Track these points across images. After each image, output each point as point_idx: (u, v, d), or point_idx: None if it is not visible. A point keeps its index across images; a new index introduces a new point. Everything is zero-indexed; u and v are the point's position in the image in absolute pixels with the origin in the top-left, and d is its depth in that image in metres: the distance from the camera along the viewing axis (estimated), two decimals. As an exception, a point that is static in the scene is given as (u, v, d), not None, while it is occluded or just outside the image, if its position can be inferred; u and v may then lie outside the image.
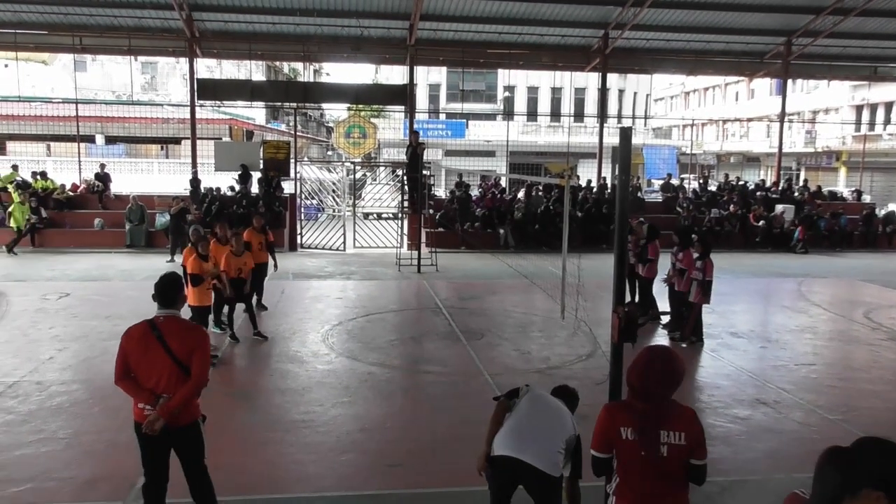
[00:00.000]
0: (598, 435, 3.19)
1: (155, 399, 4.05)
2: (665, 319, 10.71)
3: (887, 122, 40.01)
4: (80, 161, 22.67)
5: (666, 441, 3.03)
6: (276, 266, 11.80)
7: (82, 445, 5.99)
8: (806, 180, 29.05)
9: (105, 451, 5.87)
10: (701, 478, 3.13)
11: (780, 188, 25.16)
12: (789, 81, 27.36)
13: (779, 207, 22.85)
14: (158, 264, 15.94)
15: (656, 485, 3.07)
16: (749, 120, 48.50)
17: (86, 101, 28.61)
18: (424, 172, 18.32)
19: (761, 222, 22.20)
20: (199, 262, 8.57)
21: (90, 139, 32.35)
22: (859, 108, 41.68)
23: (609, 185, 22.76)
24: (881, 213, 25.12)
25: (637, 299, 11.09)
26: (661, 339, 10.31)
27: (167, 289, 4.25)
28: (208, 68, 34.43)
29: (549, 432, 3.82)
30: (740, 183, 25.93)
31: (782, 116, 26.04)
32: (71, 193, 20.91)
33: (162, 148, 34.12)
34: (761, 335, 10.63)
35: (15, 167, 20.96)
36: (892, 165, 37.53)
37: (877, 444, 1.98)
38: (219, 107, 30.49)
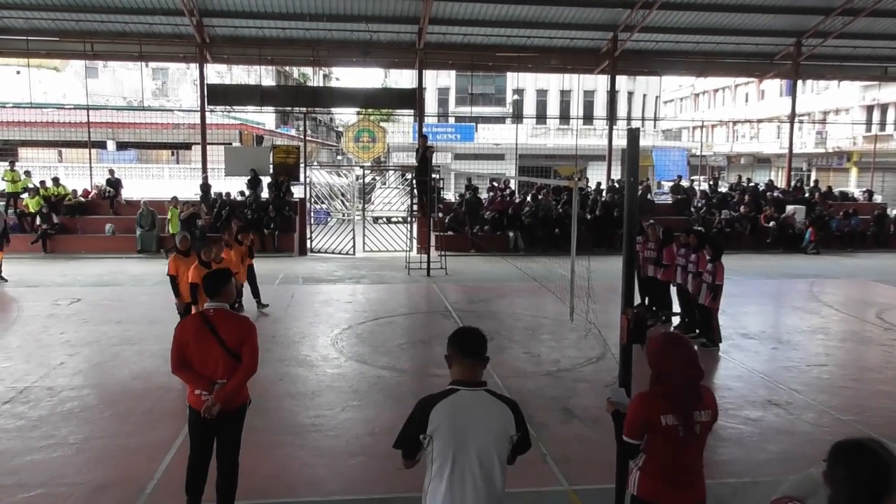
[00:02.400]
0: (634, 424, 3.24)
1: (211, 385, 4.38)
2: (676, 321, 10.66)
3: (899, 122, 39.73)
4: (91, 167, 22.82)
5: (699, 420, 3.18)
6: None
7: (93, 451, 6.01)
8: (817, 181, 28.90)
9: (115, 456, 5.90)
10: None
11: (790, 189, 25.02)
12: (799, 82, 27.22)
13: (790, 208, 22.72)
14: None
15: (686, 458, 3.21)
16: (759, 121, 48.29)
17: (97, 107, 28.88)
18: (434, 176, 18.31)
19: (772, 223, 22.08)
20: (201, 269, 8.56)
21: (101, 145, 32.52)
22: (870, 109, 41.39)
23: (617, 187, 22.69)
24: (893, 213, 24.94)
25: (647, 301, 11.06)
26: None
27: (217, 283, 4.56)
28: (218, 74, 34.65)
29: (488, 488, 3.05)
30: (751, 184, 25.81)
31: (792, 117, 25.92)
32: (82, 199, 21.06)
33: (172, 153, 34.37)
34: (773, 336, 10.55)
35: (28, 173, 21.13)
36: (904, 165, 37.24)
37: (864, 453, 2.05)
38: (229, 112, 30.64)
